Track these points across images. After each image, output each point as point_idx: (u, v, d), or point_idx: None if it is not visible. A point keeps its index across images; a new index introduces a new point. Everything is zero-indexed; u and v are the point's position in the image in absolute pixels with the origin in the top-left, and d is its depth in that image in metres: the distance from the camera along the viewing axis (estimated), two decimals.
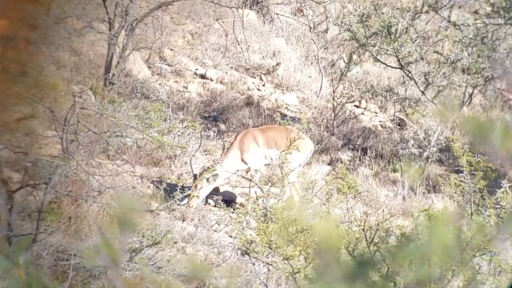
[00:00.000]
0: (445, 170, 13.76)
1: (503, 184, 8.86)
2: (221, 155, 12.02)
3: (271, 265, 8.64)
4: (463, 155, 8.51)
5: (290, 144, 10.66)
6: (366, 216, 8.51)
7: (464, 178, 8.53)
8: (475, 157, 8.64)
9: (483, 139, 2.60)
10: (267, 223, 8.75)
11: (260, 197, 9.50)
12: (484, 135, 2.59)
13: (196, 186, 11.32)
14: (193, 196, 11.22)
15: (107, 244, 2.91)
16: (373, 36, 13.74)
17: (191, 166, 11.46)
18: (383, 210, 11.92)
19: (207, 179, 11.39)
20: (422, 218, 7.90)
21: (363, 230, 8.10)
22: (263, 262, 8.73)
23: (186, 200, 11.25)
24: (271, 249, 8.49)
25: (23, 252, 3.03)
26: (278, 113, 11.56)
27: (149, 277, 7.47)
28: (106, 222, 9.21)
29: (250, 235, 9.21)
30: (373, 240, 8.04)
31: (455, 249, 2.66)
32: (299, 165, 11.79)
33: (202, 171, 11.44)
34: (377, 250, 7.83)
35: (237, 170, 11.95)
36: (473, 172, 8.56)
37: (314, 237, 7.75)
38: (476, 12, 13.99)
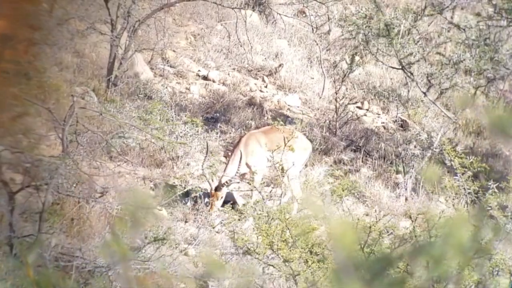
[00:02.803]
0: (447, 172, 13.75)
1: (490, 185, 8.75)
2: (226, 162, 12.00)
3: (273, 266, 8.61)
4: (455, 157, 8.47)
5: (285, 145, 10.73)
6: (377, 220, 8.47)
7: (459, 180, 8.50)
8: (468, 158, 8.61)
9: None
10: (268, 224, 8.72)
11: (258, 201, 9.50)
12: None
13: (216, 196, 11.36)
14: (213, 205, 11.33)
15: (117, 240, 2.90)
16: (371, 36, 13.71)
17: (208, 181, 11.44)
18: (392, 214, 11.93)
19: (226, 186, 11.43)
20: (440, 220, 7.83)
21: (368, 233, 8.06)
22: (264, 263, 8.70)
23: (188, 203, 11.26)
24: (272, 250, 8.46)
25: (32, 252, 3.04)
26: (268, 116, 11.55)
27: (160, 273, 7.46)
28: (114, 220, 9.22)
29: (244, 238, 9.18)
30: (377, 242, 8.00)
31: (470, 250, 2.64)
32: (298, 165, 11.78)
33: (219, 182, 11.45)
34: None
35: (237, 173, 11.95)
36: (466, 173, 8.53)
37: (331, 234, 7.70)
38: (478, 14, 13.98)
